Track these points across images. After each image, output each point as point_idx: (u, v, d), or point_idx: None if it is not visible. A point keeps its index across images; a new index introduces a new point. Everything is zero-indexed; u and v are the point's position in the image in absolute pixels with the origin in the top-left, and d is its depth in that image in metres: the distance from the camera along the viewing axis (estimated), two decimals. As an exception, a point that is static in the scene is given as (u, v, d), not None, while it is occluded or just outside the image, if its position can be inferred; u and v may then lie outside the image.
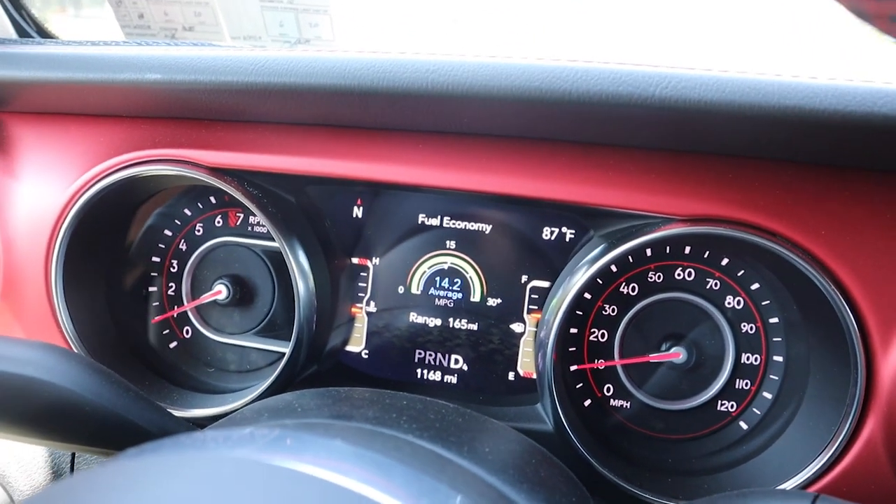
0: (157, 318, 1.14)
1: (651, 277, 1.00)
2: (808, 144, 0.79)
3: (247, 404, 0.96)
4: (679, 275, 0.99)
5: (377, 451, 0.53)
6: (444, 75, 0.78)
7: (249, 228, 1.11)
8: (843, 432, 0.81)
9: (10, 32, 1.33)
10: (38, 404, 0.75)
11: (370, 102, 0.85)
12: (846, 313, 0.79)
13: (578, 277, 0.89)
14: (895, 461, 0.79)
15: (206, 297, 1.09)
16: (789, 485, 0.83)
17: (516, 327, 1.05)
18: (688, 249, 0.98)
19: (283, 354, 0.99)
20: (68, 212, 1.00)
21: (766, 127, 0.75)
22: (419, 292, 1.08)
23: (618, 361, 1.00)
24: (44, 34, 1.37)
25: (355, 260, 1.09)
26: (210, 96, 0.91)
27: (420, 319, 1.08)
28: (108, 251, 1.10)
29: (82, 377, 0.77)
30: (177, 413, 1.01)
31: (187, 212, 1.13)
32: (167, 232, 1.14)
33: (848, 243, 0.80)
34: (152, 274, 1.15)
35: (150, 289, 1.15)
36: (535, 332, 1.00)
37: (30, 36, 1.36)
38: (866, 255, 0.79)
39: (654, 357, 0.97)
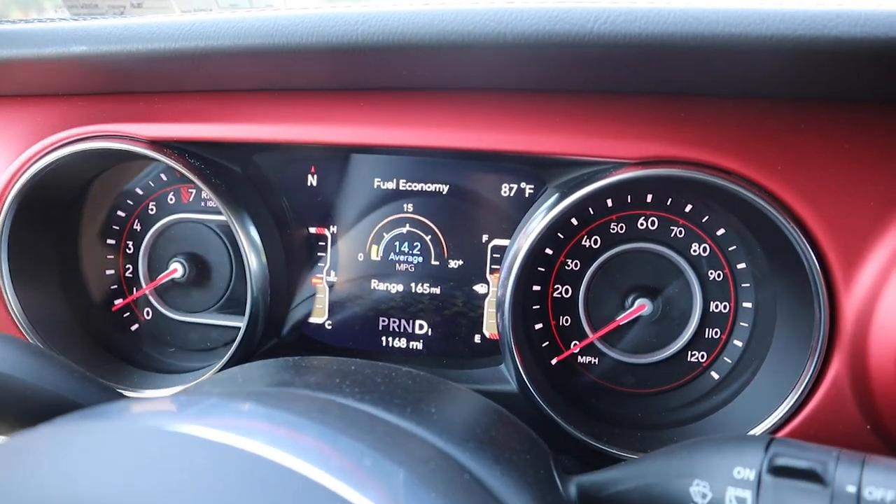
0: (117, 304, 1.11)
1: (613, 229, 0.97)
2: (760, 76, 0.75)
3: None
4: (642, 224, 0.96)
5: (294, 412, 0.50)
6: (373, 26, 0.74)
7: (202, 204, 1.08)
8: (808, 375, 0.78)
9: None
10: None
11: (304, 61, 0.82)
12: (807, 250, 0.76)
13: (532, 231, 0.86)
14: (861, 400, 0.76)
15: (162, 278, 1.07)
16: (756, 432, 0.81)
17: (479, 288, 1.02)
18: (649, 197, 0.95)
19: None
20: (8, 193, 0.97)
21: (712, 59, 0.71)
22: (379, 258, 1.05)
23: (592, 337, 0.97)
24: (-15, 17, 1.33)
25: (312, 230, 1.06)
26: (141, 65, 0.87)
27: (382, 286, 1.05)
28: (59, 236, 1.08)
29: (20, 360, 0.75)
30: (136, 394, 0.99)
31: (139, 191, 1.10)
32: (120, 213, 1.11)
33: (806, 178, 0.77)
34: (108, 256, 1.12)
35: (107, 272, 1.12)
36: (496, 291, 0.97)
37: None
38: (825, 190, 0.76)
39: (621, 319, 0.94)
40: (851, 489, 0.53)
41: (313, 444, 0.46)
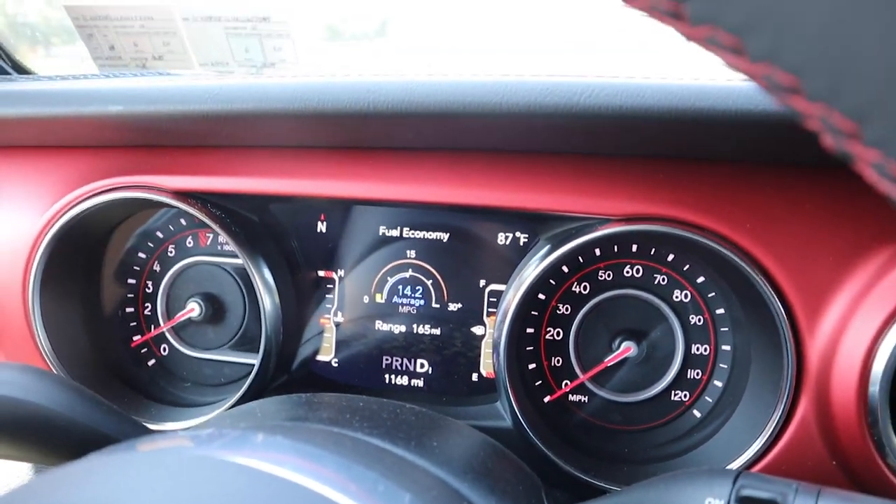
0: (136, 340, 1.18)
1: (601, 276, 1.04)
2: (728, 144, 0.84)
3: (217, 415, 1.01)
4: (628, 272, 1.04)
5: (314, 444, 0.57)
6: (382, 95, 0.83)
7: (219, 247, 1.16)
8: (778, 414, 0.85)
9: (-13, 70, 1.38)
10: (13, 423, 0.79)
11: (318, 124, 0.90)
12: (773, 300, 0.83)
13: (525, 278, 0.94)
14: (827, 438, 0.83)
15: (180, 317, 1.14)
16: (732, 467, 0.88)
17: (477, 330, 1.10)
18: (634, 248, 1.03)
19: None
20: (42, 239, 1.05)
21: (686, 128, 0.80)
22: (384, 301, 1.13)
23: (582, 378, 1.03)
24: (20, 70, 1.42)
25: (321, 273, 1.14)
26: (170, 124, 0.96)
27: (385, 327, 1.13)
28: (85, 275, 1.15)
29: (57, 394, 0.81)
30: (154, 426, 1.05)
31: (159, 234, 1.18)
32: (141, 254, 1.19)
33: (772, 235, 0.85)
34: (129, 295, 1.19)
35: (127, 309, 1.19)
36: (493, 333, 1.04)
37: (6, 73, 1.42)
38: (789, 245, 0.84)
39: (609, 361, 1.01)
40: (807, 517, 0.60)
41: (332, 472, 0.52)
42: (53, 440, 0.82)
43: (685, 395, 1.04)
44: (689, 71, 0.83)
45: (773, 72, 0.31)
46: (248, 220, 1.08)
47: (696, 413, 1.03)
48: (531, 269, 0.94)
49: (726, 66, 0.35)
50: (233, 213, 1.06)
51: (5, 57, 1.45)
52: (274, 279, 1.05)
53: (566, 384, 1.05)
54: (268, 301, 1.03)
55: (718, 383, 1.02)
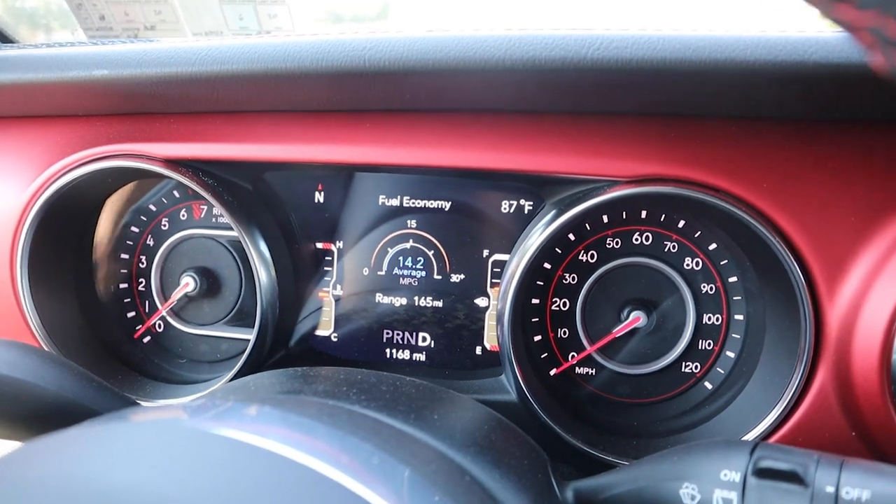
0: (131, 318, 1.15)
1: (609, 244, 1.00)
2: (745, 99, 0.79)
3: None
4: (637, 239, 1.00)
5: (305, 415, 0.54)
6: (378, 52, 0.79)
7: (213, 220, 1.12)
8: (795, 384, 0.81)
9: (-27, 41, 1.34)
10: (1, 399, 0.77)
11: (312, 84, 0.86)
12: (791, 264, 0.79)
13: (530, 246, 0.90)
14: (847, 407, 0.79)
15: (176, 294, 1.10)
16: (747, 439, 0.84)
17: (480, 302, 1.06)
18: (644, 213, 0.99)
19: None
20: (29, 211, 1.01)
21: (700, 82, 0.75)
22: (384, 273, 1.09)
23: (589, 349, 1.00)
24: (4, 39, 1.38)
25: (319, 245, 1.10)
26: (158, 88, 0.92)
27: (386, 300, 1.09)
28: (76, 250, 1.12)
29: (43, 370, 0.78)
30: (148, 404, 1.02)
31: (152, 207, 1.14)
32: (134, 228, 1.15)
33: (790, 195, 0.81)
34: (122, 271, 1.16)
35: (121, 285, 1.16)
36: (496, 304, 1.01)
37: (-9, 43, 1.37)
38: (808, 206, 0.80)
39: (617, 331, 0.98)
40: (830, 489, 0.57)
41: (324, 444, 0.49)
42: (42, 417, 0.80)
43: (696, 367, 1.00)
44: (704, 22, 0.78)
45: None
46: (243, 189, 1.04)
47: (708, 385, 0.99)
48: (536, 236, 0.90)
49: None
50: (226, 182, 1.02)
51: (-9, 27, 1.41)
52: (270, 251, 1.01)
53: (573, 356, 1.02)
54: (263, 274, 1.00)
55: (731, 354, 0.98)
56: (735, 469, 0.61)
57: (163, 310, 1.12)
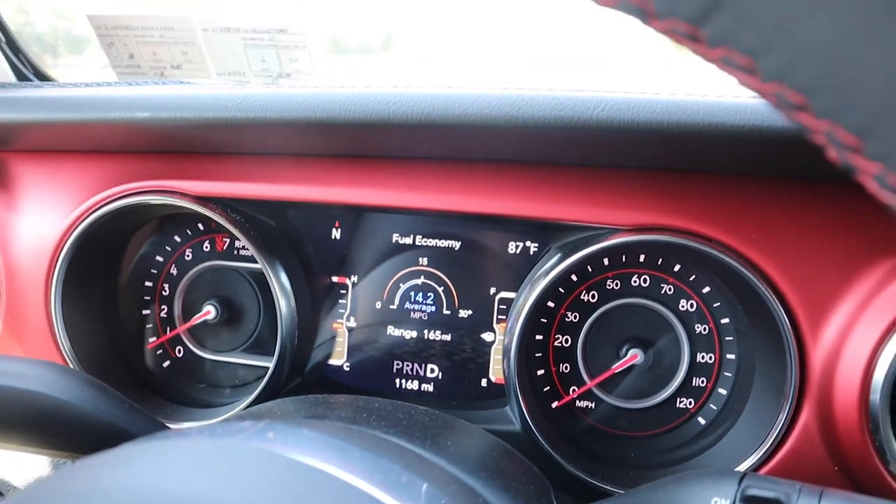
0: (152, 342, 1.21)
1: (609, 285, 1.07)
2: (736, 157, 0.87)
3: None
4: (635, 281, 1.06)
5: (339, 438, 0.59)
6: (403, 106, 0.87)
7: (235, 252, 1.19)
8: (782, 421, 0.87)
9: (10, 76, 1.42)
10: (38, 417, 0.82)
11: (338, 133, 0.93)
12: (777, 308, 0.86)
13: (536, 286, 0.96)
14: (829, 444, 0.86)
15: (196, 319, 1.16)
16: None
17: (487, 336, 1.12)
18: (642, 258, 1.05)
19: (269, 369, 1.07)
20: (66, 241, 1.08)
21: (695, 142, 0.83)
22: (396, 307, 1.15)
23: (590, 384, 1.06)
24: (41, 77, 1.46)
25: (335, 279, 1.17)
26: (194, 131, 0.99)
27: (397, 332, 1.15)
28: (105, 277, 1.18)
29: (80, 391, 0.84)
30: (171, 426, 1.07)
31: (177, 238, 1.21)
32: (158, 258, 1.21)
33: (777, 246, 0.88)
34: (146, 298, 1.22)
35: (144, 312, 1.22)
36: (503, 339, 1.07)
37: (28, 79, 1.45)
38: (792, 255, 0.87)
39: (616, 367, 1.04)
40: (810, 516, 0.62)
41: (359, 464, 0.55)
42: (76, 435, 0.85)
43: (690, 403, 1.06)
44: (695, 86, 0.86)
45: (783, 90, 0.34)
46: (267, 225, 1.11)
47: (701, 420, 1.05)
48: (542, 278, 0.97)
49: (740, 83, 0.38)
50: (252, 218, 1.09)
51: (27, 64, 1.49)
52: (290, 283, 1.07)
53: (574, 390, 1.08)
54: (284, 305, 1.06)
55: (723, 391, 1.05)
56: (725, 497, 0.67)
57: (180, 329, 1.18)
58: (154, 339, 1.21)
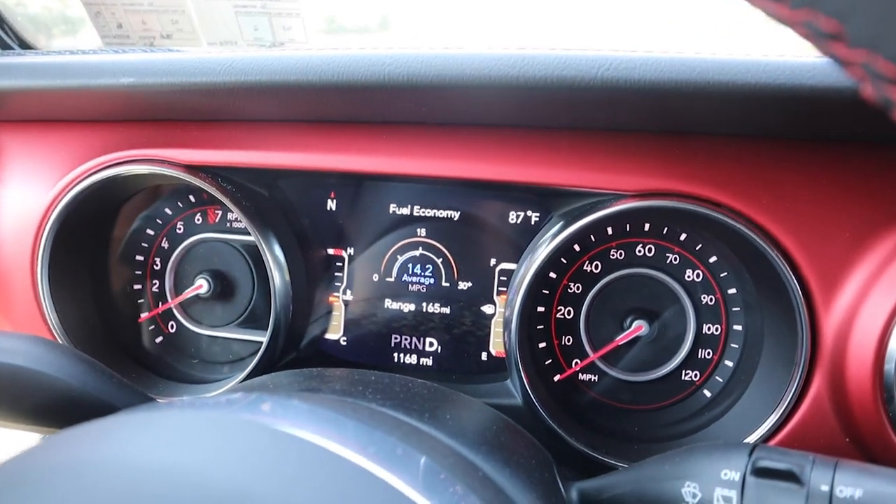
0: (144, 316, 1.18)
1: (613, 255, 1.04)
2: (745, 119, 0.83)
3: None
4: (640, 251, 1.03)
5: (331, 409, 0.57)
6: (397, 68, 0.83)
7: (228, 224, 1.16)
8: (792, 391, 0.85)
9: (-7, 46, 1.38)
10: (25, 392, 0.79)
11: (331, 96, 0.90)
12: (789, 276, 0.83)
13: (538, 256, 0.93)
14: (841, 414, 0.83)
15: (188, 293, 1.13)
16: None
17: (487, 309, 1.09)
18: (647, 226, 1.02)
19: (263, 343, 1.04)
20: (52, 212, 1.04)
21: (704, 103, 0.79)
22: (393, 279, 1.12)
23: (592, 356, 1.03)
24: (24, 46, 1.41)
25: (330, 251, 1.13)
26: (182, 97, 0.95)
27: (395, 305, 1.12)
28: (93, 250, 1.15)
29: (68, 366, 0.81)
30: (161, 401, 1.05)
31: (168, 211, 1.17)
32: (149, 231, 1.18)
33: (788, 211, 0.84)
34: (137, 272, 1.19)
35: (135, 286, 1.19)
36: (503, 311, 1.04)
37: (10, 48, 1.41)
38: (805, 221, 0.83)
39: (620, 339, 1.01)
40: (825, 488, 0.60)
41: (353, 435, 0.52)
42: (63, 411, 0.82)
43: (696, 375, 1.03)
44: (708, 45, 0.82)
45: (815, 18, 0.31)
46: (259, 195, 1.07)
47: (707, 392, 1.03)
48: (544, 247, 0.93)
49: (767, 15, 0.34)
50: (243, 188, 1.05)
51: (10, 33, 1.45)
52: (284, 256, 1.04)
53: (576, 363, 1.05)
54: (278, 278, 1.03)
55: (729, 363, 1.02)
56: (735, 469, 0.64)
57: (172, 303, 1.15)
58: (145, 313, 1.18)
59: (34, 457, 0.50)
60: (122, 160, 1.04)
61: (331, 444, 0.48)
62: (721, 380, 1.02)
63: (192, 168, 1.03)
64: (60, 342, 1.07)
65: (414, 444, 0.58)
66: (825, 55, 0.33)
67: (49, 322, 1.07)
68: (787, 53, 0.78)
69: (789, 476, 0.62)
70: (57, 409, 0.81)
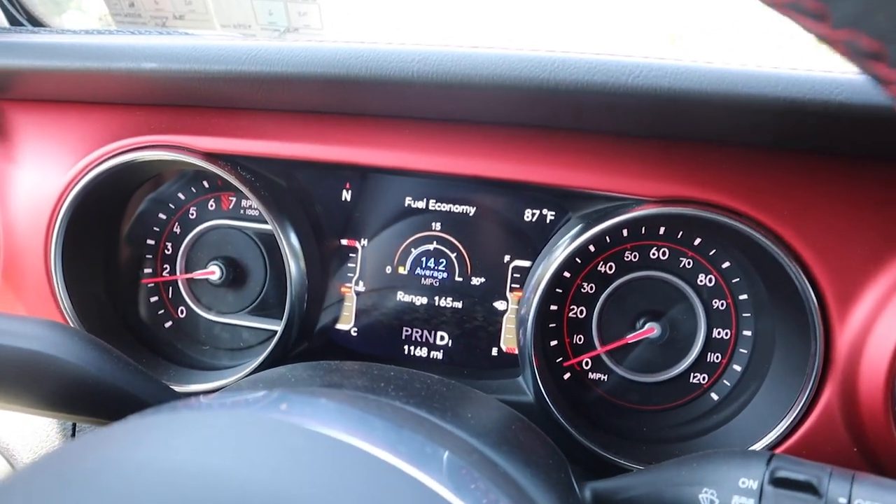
0: (154, 301, 1.18)
1: (627, 257, 1.05)
2: (772, 130, 0.84)
3: (241, 379, 1.01)
4: (654, 254, 1.04)
5: (362, 409, 0.57)
6: (428, 65, 0.82)
7: (241, 212, 1.15)
8: (803, 400, 0.86)
9: (2, 21, 1.36)
10: (42, 378, 0.79)
11: (357, 90, 0.89)
12: (806, 288, 0.84)
13: (557, 256, 0.94)
14: (850, 425, 0.84)
15: (199, 273, 1.13)
16: (753, 449, 0.89)
17: (499, 305, 1.10)
18: (662, 230, 1.03)
19: (275, 333, 1.04)
20: (66, 196, 1.03)
21: (732, 113, 0.80)
22: (406, 272, 1.12)
23: (600, 350, 1.04)
24: (34, 23, 1.39)
25: (344, 241, 1.13)
26: (204, 84, 0.94)
27: (407, 298, 1.13)
28: (106, 234, 1.14)
29: (85, 352, 0.81)
30: (174, 387, 1.05)
31: (181, 196, 1.17)
32: (162, 216, 1.17)
33: (808, 223, 0.85)
34: (148, 256, 1.18)
35: (147, 270, 1.18)
36: (517, 309, 1.05)
37: (21, 24, 1.39)
38: (825, 234, 0.84)
39: (631, 338, 1.02)
40: (843, 501, 0.61)
41: (382, 434, 0.53)
42: (79, 397, 0.82)
43: (704, 378, 1.05)
44: (737, 56, 0.82)
45: (857, 38, 0.31)
46: (276, 184, 1.07)
47: (714, 396, 1.04)
48: (562, 248, 0.94)
49: (806, 31, 0.34)
50: (261, 176, 1.05)
51: (21, 9, 1.42)
52: (300, 245, 1.04)
53: (587, 363, 1.06)
54: (294, 267, 1.03)
55: (737, 368, 1.03)
56: (753, 477, 0.66)
57: (180, 277, 1.15)
58: (156, 298, 1.18)
59: (59, 461, 0.50)
60: (140, 145, 1.03)
61: (361, 443, 0.49)
62: (728, 384, 1.04)
63: (210, 156, 1.02)
64: (72, 325, 1.06)
65: (440, 443, 0.58)
66: (865, 73, 0.33)
67: (61, 305, 1.06)
68: (816, 67, 0.79)
69: (807, 487, 0.63)
70: (73, 395, 0.81)
